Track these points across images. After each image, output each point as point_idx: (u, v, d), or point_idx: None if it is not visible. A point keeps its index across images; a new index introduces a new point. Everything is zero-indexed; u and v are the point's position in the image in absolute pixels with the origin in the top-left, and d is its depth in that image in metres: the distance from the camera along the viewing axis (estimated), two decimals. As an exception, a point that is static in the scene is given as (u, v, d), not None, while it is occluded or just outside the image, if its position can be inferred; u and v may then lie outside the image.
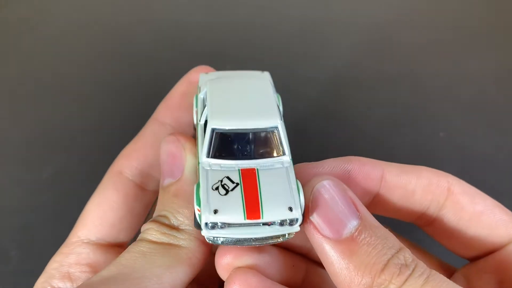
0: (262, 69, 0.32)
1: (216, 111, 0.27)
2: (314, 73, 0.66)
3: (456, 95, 0.64)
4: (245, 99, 0.28)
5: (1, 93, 0.65)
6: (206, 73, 0.33)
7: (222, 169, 0.25)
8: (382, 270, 0.22)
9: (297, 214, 0.24)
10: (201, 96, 0.30)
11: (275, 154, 0.26)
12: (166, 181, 0.28)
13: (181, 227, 0.26)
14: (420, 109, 0.62)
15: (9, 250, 0.49)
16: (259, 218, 0.23)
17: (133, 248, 0.26)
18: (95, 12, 0.76)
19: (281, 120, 0.27)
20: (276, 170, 0.25)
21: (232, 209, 0.23)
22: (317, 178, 0.25)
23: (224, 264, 0.27)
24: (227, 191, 0.24)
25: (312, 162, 0.29)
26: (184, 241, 0.26)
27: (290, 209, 0.23)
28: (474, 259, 0.30)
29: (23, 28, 0.73)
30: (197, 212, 0.24)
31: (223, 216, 0.23)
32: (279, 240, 0.25)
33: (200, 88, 0.31)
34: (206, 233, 0.24)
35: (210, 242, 0.24)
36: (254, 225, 0.24)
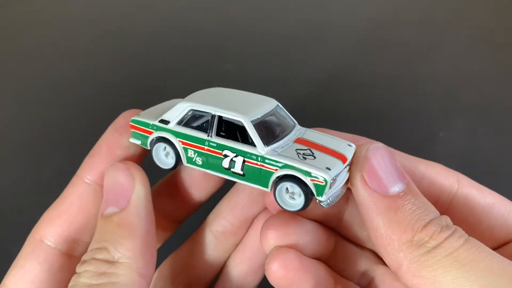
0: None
1: (235, 109, 0.27)
2: (312, 72, 0.67)
3: (456, 95, 0.64)
4: (236, 97, 0.30)
5: (1, 94, 0.65)
6: (139, 114, 0.31)
7: (285, 147, 0.27)
8: (424, 226, 0.23)
9: (355, 145, 0.28)
10: (172, 125, 0.29)
11: (292, 126, 0.29)
12: (109, 210, 0.27)
13: (120, 260, 0.25)
14: (420, 109, 0.62)
15: (10, 249, 0.49)
16: (346, 159, 0.26)
17: None
18: (95, 12, 0.76)
19: None
20: (307, 133, 0.29)
21: (332, 163, 0.26)
22: (370, 141, 0.26)
23: (269, 237, 0.28)
24: (313, 155, 0.26)
25: (328, 129, 0.30)
26: (123, 276, 0.25)
27: (350, 145, 0.28)
28: None
29: (23, 28, 0.74)
30: (310, 182, 0.25)
31: (334, 170, 0.26)
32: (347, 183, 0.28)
33: (163, 121, 0.29)
34: (326, 196, 0.26)
35: (324, 206, 0.26)
36: (342, 172, 0.26)
